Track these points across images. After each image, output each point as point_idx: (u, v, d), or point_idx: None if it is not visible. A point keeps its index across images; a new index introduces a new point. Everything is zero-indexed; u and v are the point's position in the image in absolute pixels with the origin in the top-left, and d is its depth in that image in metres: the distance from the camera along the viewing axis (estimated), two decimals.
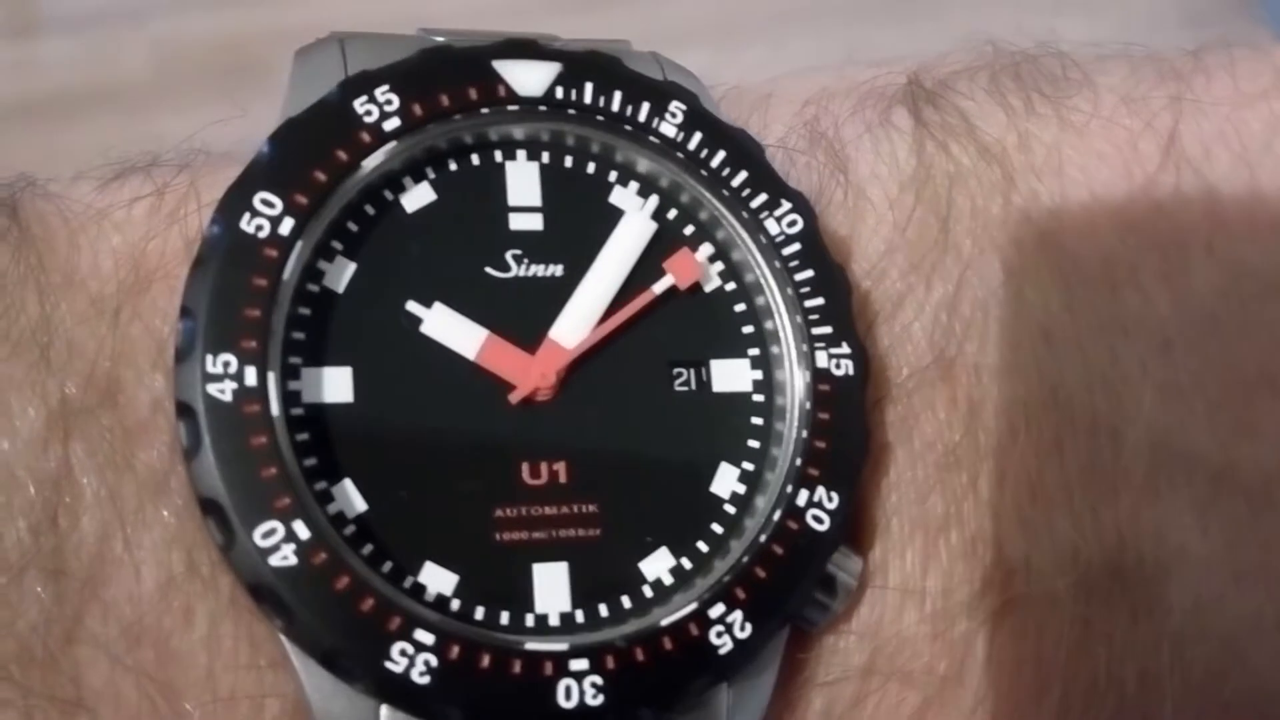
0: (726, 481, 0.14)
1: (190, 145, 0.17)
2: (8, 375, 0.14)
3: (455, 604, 0.13)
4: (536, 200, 0.14)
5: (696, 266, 0.15)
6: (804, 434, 0.14)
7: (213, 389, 0.12)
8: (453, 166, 0.15)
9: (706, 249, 0.16)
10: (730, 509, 0.14)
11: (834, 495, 0.14)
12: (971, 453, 0.15)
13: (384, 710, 0.12)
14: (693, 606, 0.13)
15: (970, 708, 0.14)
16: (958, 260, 0.16)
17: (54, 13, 0.90)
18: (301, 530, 0.12)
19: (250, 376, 0.13)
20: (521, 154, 0.15)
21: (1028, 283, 0.16)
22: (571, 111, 0.15)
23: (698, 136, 0.16)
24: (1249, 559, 0.15)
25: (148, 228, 0.15)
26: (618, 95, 0.16)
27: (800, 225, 0.16)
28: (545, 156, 0.15)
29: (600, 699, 0.12)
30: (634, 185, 0.15)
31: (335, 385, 0.13)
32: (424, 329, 0.14)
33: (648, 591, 0.14)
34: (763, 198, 0.15)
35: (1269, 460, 0.15)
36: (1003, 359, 0.15)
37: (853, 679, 0.14)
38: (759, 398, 0.15)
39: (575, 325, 0.14)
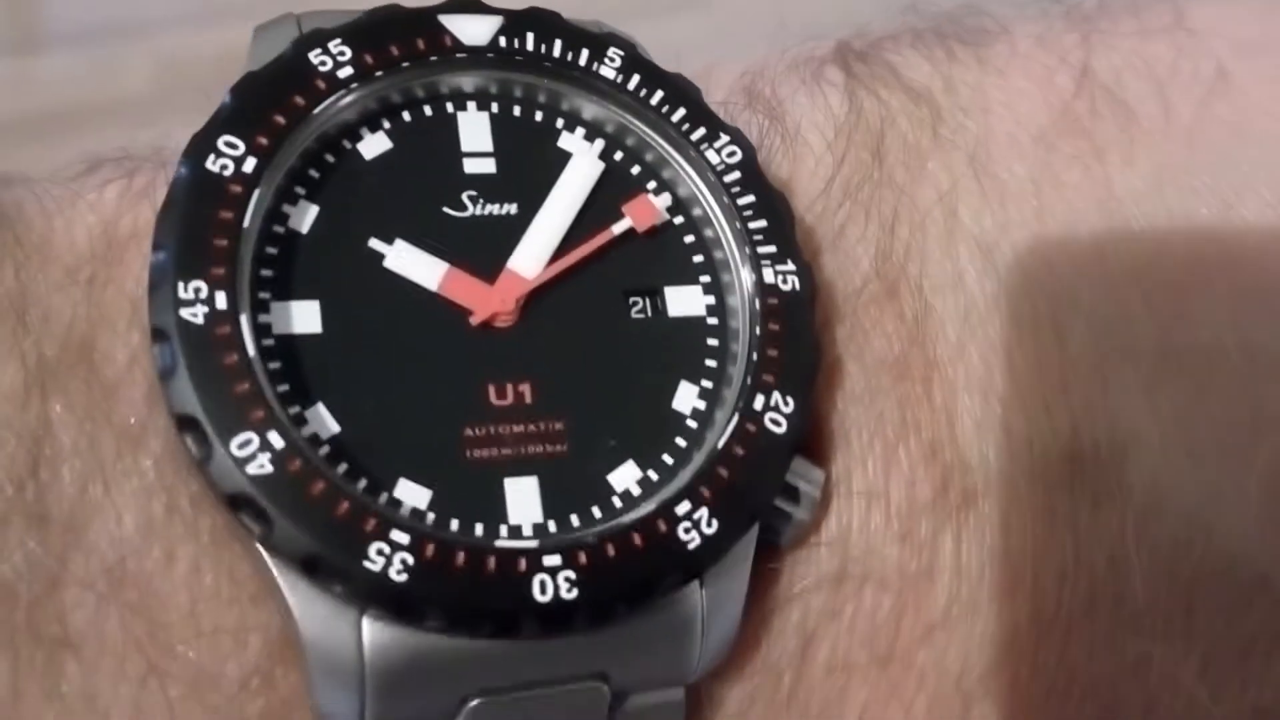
0: (687, 398, 0.14)
1: (163, 144, 0.18)
2: None
3: (430, 517, 0.13)
4: (488, 146, 0.15)
5: (654, 211, 0.16)
6: (756, 346, 0.15)
7: (185, 313, 0.13)
8: (406, 117, 0.15)
9: (665, 199, 0.16)
10: (692, 424, 0.15)
11: (789, 400, 0.14)
12: (921, 363, 0.16)
13: (365, 622, 0.12)
14: (659, 504, 0.14)
15: (945, 604, 0.15)
16: (893, 189, 0.17)
17: (56, 28, 0.90)
18: (276, 440, 0.12)
19: (221, 301, 0.13)
20: (471, 105, 0.15)
21: (960, 203, 0.17)
22: (518, 59, 0.16)
23: (636, 78, 0.16)
24: (1200, 437, 0.16)
25: (119, 205, 0.16)
26: (558, 43, 0.16)
27: (739, 155, 0.16)
28: (494, 107, 0.16)
29: (575, 592, 0.12)
30: (580, 131, 0.16)
31: (303, 317, 0.14)
32: (386, 264, 0.14)
33: (617, 502, 0.15)
34: (702, 131, 0.16)
35: (1208, 340, 0.16)
36: (943, 274, 0.16)
37: (825, 587, 0.15)
38: (713, 321, 0.15)
39: (532, 257, 0.15)
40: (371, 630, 0.12)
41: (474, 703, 0.13)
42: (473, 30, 0.16)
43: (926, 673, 0.15)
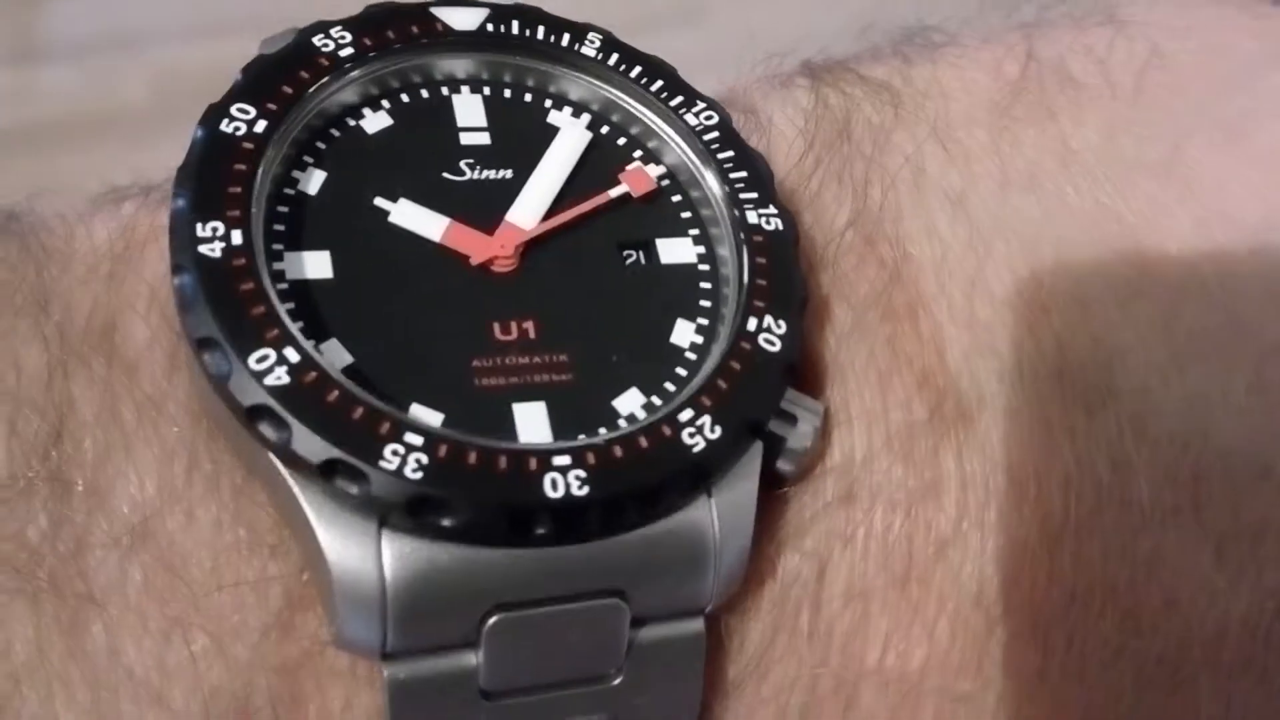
0: (684, 334, 0.15)
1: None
2: (11, 328, 0.15)
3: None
4: (483, 122, 0.16)
5: (649, 179, 0.17)
6: (745, 281, 0.15)
7: (203, 248, 0.14)
8: (405, 99, 0.16)
9: (658, 169, 0.17)
10: (690, 355, 0.15)
11: (780, 323, 0.15)
12: (904, 302, 0.16)
13: (384, 535, 0.13)
14: (663, 415, 0.14)
15: (954, 519, 0.15)
16: (862, 159, 0.18)
17: (54, 40, 0.91)
18: (292, 355, 0.13)
19: (236, 238, 0.14)
20: (465, 89, 0.17)
21: (927, 164, 0.18)
22: (505, 43, 0.17)
23: (615, 55, 0.18)
24: (1181, 344, 0.16)
25: (136, 213, 0.17)
26: (541, 28, 0.18)
27: (716, 118, 0.18)
28: (486, 90, 0.17)
29: (585, 490, 0.13)
30: (568, 109, 0.17)
31: (315, 265, 0.15)
32: (391, 219, 0.15)
33: (623, 424, 0.15)
34: (680, 99, 0.18)
35: (1177, 259, 0.17)
36: (917, 224, 0.17)
37: (834, 512, 0.15)
38: (704, 267, 0.16)
39: (528, 211, 0.16)
40: (391, 543, 0.13)
41: (494, 620, 0.13)
42: (462, 19, 0.18)
43: (945, 592, 0.15)
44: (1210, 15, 0.20)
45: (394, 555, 0.13)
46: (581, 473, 0.13)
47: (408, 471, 0.13)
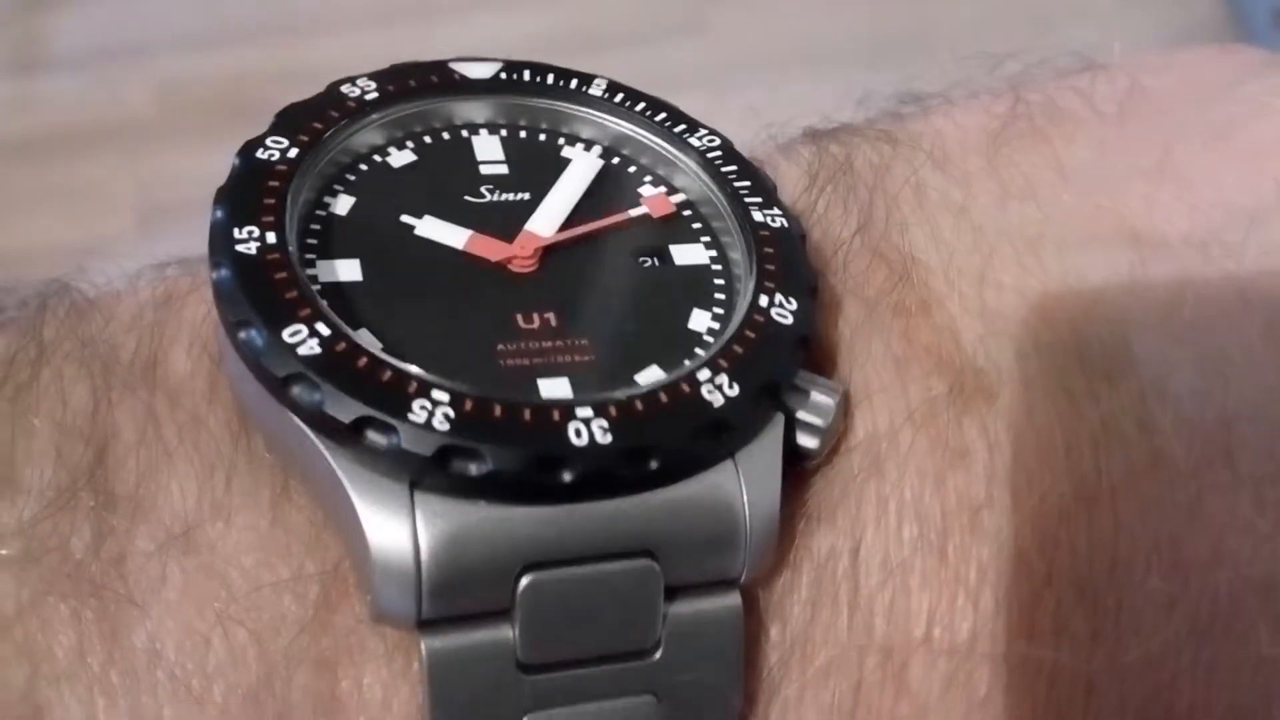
0: (701, 320, 0.16)
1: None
2: (58, 371, 0.15)
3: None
4: (500, 156, 0.18)
5: (668, 203, 0.18)
6: (755, 268, 0.16)
7: (240, 247, 0.15)
8: (427, 140, 0.18)
9: (678, 196, 0.18)
10: (708, 338, 0.16)
11: (791, 300, 0.16)
12: (916, 300, 0.17)
13: (416, 496, 0.13)
14: (681, 375, 0.15)
15: (985, 484, 0.15)
16: (864, 186, 0.18)
17: (58, 50, 0.91)
18: (323, 329, 0.14)
19: (271, 238, 0.15)
20: (484, 131, 0.18)
21: (928, 186, 0.18)
22: (519, 88, 0.19)
23: (620, 94, 0.19)
24: (1192, 315, 0.16)
25: (179, 275, 0.18)
26: (550, 75, 0.19)
27: (718, 140, 0.19)
28: (503, 131, 0.18)
29: (609, 438, 0.13)
30: (580, 145, 0.19)
31: (346, 270, 0.16)
32: (417, 232, 0.17)
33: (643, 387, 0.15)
34: (683, 126, 0.19)
35: (1179, 242, 0.17)
36: (922, 234, 0.18)
37: (864, 485, 0.15)
38: (717, 267, 0.17)
39: (546, 221, 0.17)
40: (423, 504, 0.13)
41: (526, 580, 0.13)
42: (477, 70, 0.19)
43: (985, 560, 0.15)
44: (1187, 54, 0.21)
45: (426, 515, 0.13)
46: (604, 423, 0.14)
47: (435, 423, 0.13)
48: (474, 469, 0.13)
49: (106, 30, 0.91)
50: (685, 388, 0.15)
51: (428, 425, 0.13)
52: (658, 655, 0.14)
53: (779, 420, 0.15)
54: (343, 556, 0.14)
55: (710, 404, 0.14)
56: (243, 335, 0.14)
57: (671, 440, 0.14)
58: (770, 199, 0.18)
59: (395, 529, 0.13)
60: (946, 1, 0.91)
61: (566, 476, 0.13)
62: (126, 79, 0.87)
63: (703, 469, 0.14)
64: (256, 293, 0.14)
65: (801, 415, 0.15)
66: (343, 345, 0.14)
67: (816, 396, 0.15)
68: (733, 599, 0.14)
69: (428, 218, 0.17)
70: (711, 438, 0.14)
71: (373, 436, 0.13)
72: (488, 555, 0.13)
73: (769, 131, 0.22)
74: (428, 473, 0.13)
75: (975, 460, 0.15)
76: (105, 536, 0.13)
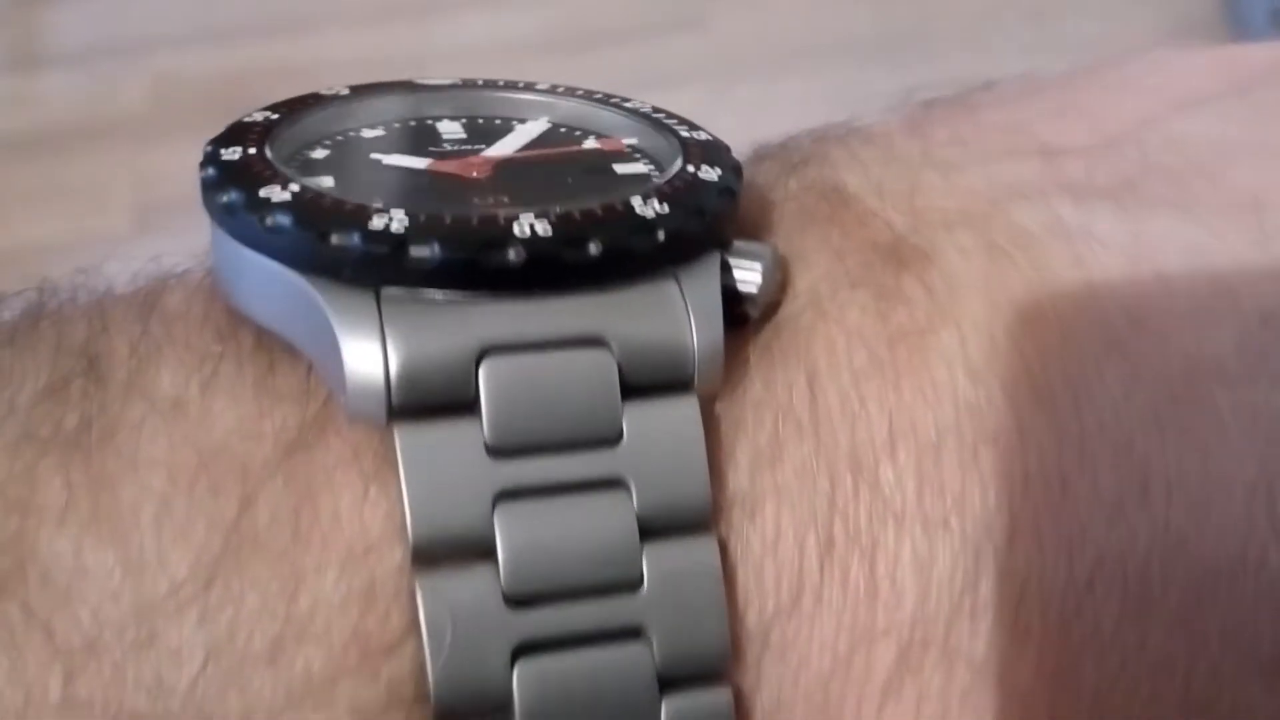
0: (638, 202, 0.16)
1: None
2: (55, 321, 0.16)
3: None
4: (462, 134, 0.19)
5: (620, 144, 0.19)
6: (683, 153, 0.17)
7: (225, 156, 0.16)
8: (395, 125, 0.19)
9: (630, 140, 0.19)
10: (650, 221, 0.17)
11: (716, 168, 0.17)
12: (847, 212, 0.17)
13: (382, 294, 0.14)
14: (616, 199, 0.16)
15: (927, 316, 0.15)
16: (801, 153, 0.19)
17: (55, 47, 0.91)
18: (295, 187, 0.15)
19: (253, 151, 0.16)
20: (446, 119, 0.20)
21: (858, 151, 0.18)
22: (477, 84, 0.20)
23: (574, 90, 0.21)
24: (1100, 183, 0.17)
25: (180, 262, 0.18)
26: (503, 80, 0.21)
27: (664, 110, 0.20)
28: (464, 120, 0.20)
29: (550, 231, 0.15)
30: (532, 121, 0.20)
31: (321, 182, 0.17)
32: (384, 162, 0.18)
33: None
34: (630, 102, 0.20)
35: (1078, 140, 0.17)
36: (853, 174, 0.18)
37: (810, 325, 0.15)
38: (656, 174, 0.18)
39: (500, 150, 0.19)
40: (387, 300, 0.14)
41: (487, 362, 0.14)
42: (437, 80, 0.20)
43: (938, 376, 0.15)
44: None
45: (390, 308, 0.14)
46: (546, 223, 0.15)
47: (393, 228, 0.14)
48: (428, 256, 0.14)
49: (103, 27, 0.91)
50: (619, 206, 0.16)
51: (386, 229, 0.14)
52: (621, 445, 0.14)
53: (715, 255, 0.16)
54: (326, 400, 0.15)
55: (643, 214, 0.15)
56: (223, 200, 0.15)
57: (608, 233, 0.15)
58: (716, 150, 0.18)
59: (363, 323, 0.14)
60: None
61: (512, 255, 0.14)
62: (123, 76, 0.87)
63: (645, 274, 0.15)
64: (238, 176, 0.16)
65: (736, 259, 0.16)
66: (310, 194, 0.15)
67: (750, 245, 0.16)
68: (689, 402, 0.15)
69: (395, 155, 0.18)
70: (646, 235, 0.15)
71: (337, 241, 0.14)
72: (448, 339, 0.14)
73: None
74: (388, 270, 0.14)
75: (917, 304, 0.15)
76: (97, 415, 0.14)
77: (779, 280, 0.17)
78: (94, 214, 0.81)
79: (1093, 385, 0.14)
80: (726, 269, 0.16)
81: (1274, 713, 0.13)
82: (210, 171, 0.16)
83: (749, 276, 0.17)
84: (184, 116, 0.90)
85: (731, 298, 0.16)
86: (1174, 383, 0.14)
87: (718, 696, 0.13)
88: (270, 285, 0.16)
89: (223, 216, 0.16)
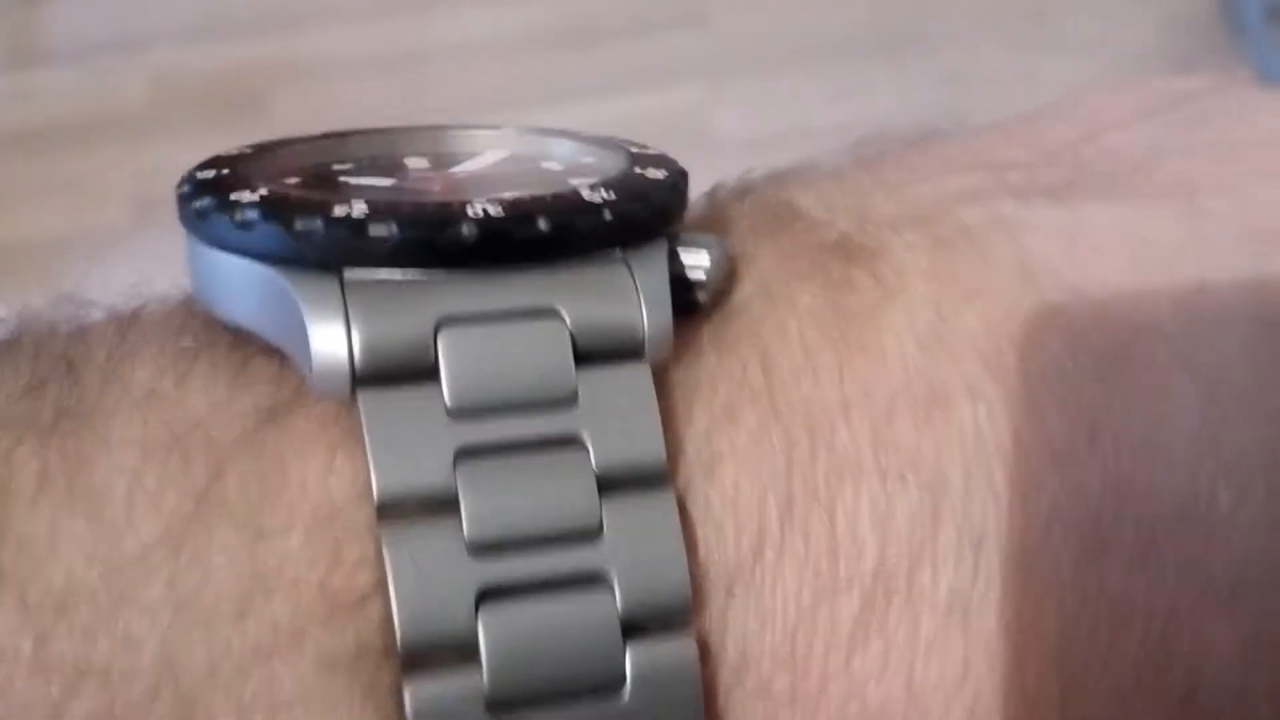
0: (596, 195, 0.17)
1: None
2: (35, 339, 0.16)
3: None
4: (427, 164, 0.20)
5: (578, 161, 0.20)
6: (629, 159, 0.18)
7: (200, 175, 0.17)
8: (363, 160, 0.20)
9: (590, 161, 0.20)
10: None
11: (663, 169, 0.17)
12: (796, 222, 0.17)
13: (345, 274, 0.15)
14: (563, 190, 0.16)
15: (879, 299, 0.15)
16: (755, 183, 0.19)
17: (54, 43, 0.91)
18: (263, 190, 0.16)
19: (226, 170, 0.17)
20: (411, 155, 0.20)
21: (812, 181, 0.19)
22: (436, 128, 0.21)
23: (527, 125, 0.21)
24: (1045, 182, 0.17)
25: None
26: (468, 121, 0.21)
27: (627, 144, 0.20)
28: (429, 157, 0.20)
29: (501, 212, 0.15)
30: (496, 150, 0.20)
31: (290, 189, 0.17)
32: (351, 182, 0.18)
33: None
34: (588, 133, 0.20)
35: (1020, 156, 0.18)
36: (805, 196, 0.18)
37: (764, 312, 0.16)
38: (606, 177, 0.18)
39: (462, 168, 0.19)
40: (350, 279, 0.15)
41: (444, 331, 0.15)
42: (405, 125, 0.21)
43: (888, 345, 0.15)
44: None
45: (352, 284, 0.15)
46: (498, 207, 0.15)
47: (354, 214, 0.15)
48: (386, 235, 0.15)
49: (102, 23, 0.91)
50: (568, 193, 0.16)
51: (347, 215, 0.15)
52: (577, 406, 0.15)
53: (663, 242, 0.17)
54: (298, 386, 0.15)
55: (591, 199, 0.16)
56: (197, 206, 0.16)
57: (557, 212, 0.16)
58: (663, 159, 0.19)
59: (327, 301, 0.15)
60: None
61: (465, 231, 0.15)
62: (122, 71, 0.87)
63: (595, 257, 0.16)
64: (212, 187, 0.16)
65: (684, 249, 0.17)
66: (281, 193, 0.16)
67: (698, 236, 0.17)
68: (641, 368, 0.15)
69: (363, 177, 0.19)
70: (594, 215, 0.16)
71: (301, 227, 0.15)
72: (407, 312, 0.15)
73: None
74: (350, 253, 0.15)
75: (866, 290, 0.16)
76: (74, 406, 0.15)
77: (727, 270, 0.17)
78: (93, 209, 0.81)
79: (1037, 348, 0.15)
80: (675, 257, 0.17)
81: (1234, 644, 0.14)
82: (186, 188, 0.17)
83: (697, 262, 0.17)
84: (183, 112, 0.90)
85: (682, 285, 0.17)
86: (1115, 342, 0.15)
87: (683, 647, 0.14)
88: (242, 282, 0.16)
89: (195, 223, 0.16)
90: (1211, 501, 0.14)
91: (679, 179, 0.18)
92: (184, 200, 0.17)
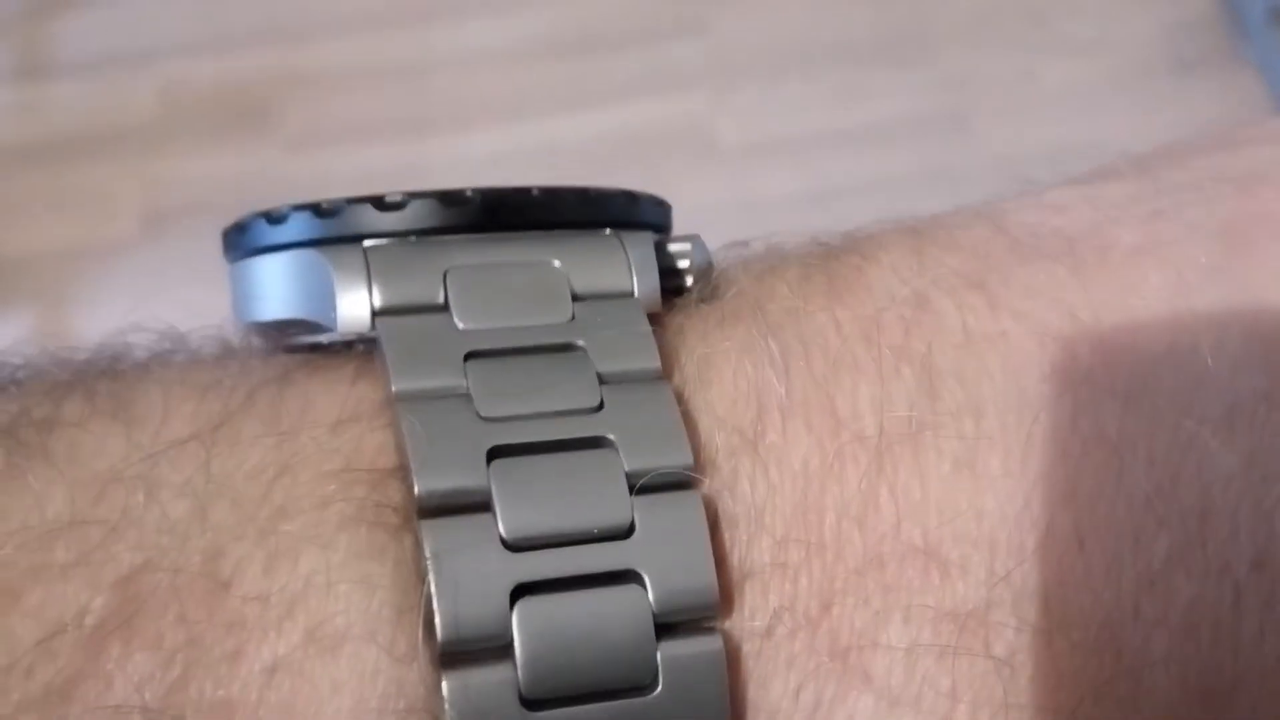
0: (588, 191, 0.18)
1: None
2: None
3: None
4: None
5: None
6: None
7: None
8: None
9: None
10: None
11: (656, 205, 0.18)
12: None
13: (366, 245, 0.17)
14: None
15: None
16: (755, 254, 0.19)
17: (64, 56, 0.92)
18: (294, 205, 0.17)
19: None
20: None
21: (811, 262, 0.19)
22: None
23: None
24: (1051, 225, 0.18)
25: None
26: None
27: None
28: None
29: (498, 189, 0.17)
30: None
31: None
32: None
33: None
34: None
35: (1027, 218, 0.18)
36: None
37: (756, 304, 0.17)
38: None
39: None
40: (372, 245, 0.17)
41: (451, 275, 0.17)
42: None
43: (873, 285, 0.16)
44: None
45: (374, 249, 0.17)
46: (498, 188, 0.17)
47: (372, 194, 0.17)
48: (399, 201, 0.17)
49: (111, 36, 0.92)
50: (560, 186, 0.18)
51: (366, 196, 0.17)
52: (582, 339, 0.16)
53: (649, 235, 0.18)
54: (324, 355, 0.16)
55: (583, 188, 0.18)
56: (238, 225, 0.17)
57: (552, 193, 0.18)
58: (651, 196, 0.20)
59: (352, 262, 0.16)
60: (945, 1, 0.91)
61: (468, 193, 0.17)
62: (131, 84, 0.88)
63: (589, 228, 0.18)
64: (250, 216, 0.18)
65: (670, 244, 0.18)
66: (311, 202, 0.17)
67: (681, 235, 0.18)
68: (643, 319, 0.16)
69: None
70: (582, 194, 0.18)
71: (327, 206, 0.17)
72: (419, 261, 0.17)
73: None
74: (370, 224, 0.17)
75: (850, 269, 0.17)
76: (117, 376, 0.16)
77: (709, 260, 0.18)
78: (103, 221, 0.82)
79: (1015, 258, 0.16)
80: (663, 250, 0.18)
81: (1234, 466, 0.14)
82: (229, 231, 0.18)
83: (682, 250, 0.19)
84: (191, 124, 0.90)
85: (670, 274, 0.18)
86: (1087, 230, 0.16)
87: (711, 645, 0.14)
88: (278, 275, 0.18)
89: (237, 239, 0.18)
90: (1194, 350, 0.15)
91: (662, 201, 0.19)
92: (228, 236, 0.18)
